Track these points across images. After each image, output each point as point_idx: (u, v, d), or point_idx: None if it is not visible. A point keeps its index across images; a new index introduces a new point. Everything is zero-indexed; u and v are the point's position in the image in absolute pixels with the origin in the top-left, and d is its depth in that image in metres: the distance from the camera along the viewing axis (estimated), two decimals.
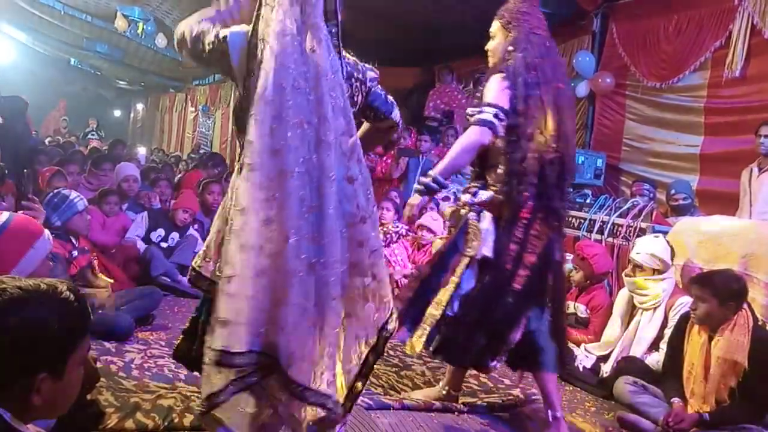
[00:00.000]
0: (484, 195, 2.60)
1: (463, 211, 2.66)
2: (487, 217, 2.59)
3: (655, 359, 3.37)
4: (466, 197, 2.66)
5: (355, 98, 2.11)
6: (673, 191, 4.89)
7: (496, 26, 2.72)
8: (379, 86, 2.21)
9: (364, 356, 2.00)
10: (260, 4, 1.93)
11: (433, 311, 2.58)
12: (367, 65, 2.17)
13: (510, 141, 2.54)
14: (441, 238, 2.98)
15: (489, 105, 2.52)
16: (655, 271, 3.49)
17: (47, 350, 1.16)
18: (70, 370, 1.21)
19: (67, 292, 1.21)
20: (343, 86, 1.97)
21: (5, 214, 2.29)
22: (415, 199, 2.57)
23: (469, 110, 2.57)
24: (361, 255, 1.96)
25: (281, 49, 1.84)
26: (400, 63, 9.03)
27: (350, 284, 1.96)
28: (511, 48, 2.62)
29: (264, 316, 1.84)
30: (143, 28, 10.51)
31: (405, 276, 5.22)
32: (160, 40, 10.73)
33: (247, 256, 1.80)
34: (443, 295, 2.59)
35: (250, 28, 1.94)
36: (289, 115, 1.83)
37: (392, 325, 2.02)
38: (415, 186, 2.55)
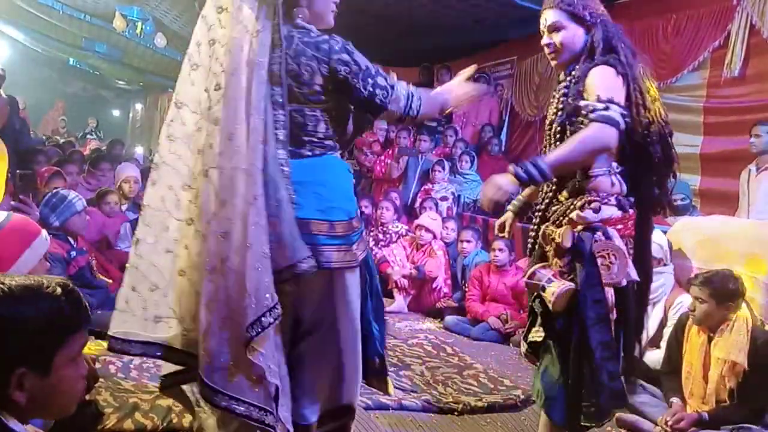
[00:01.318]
0: (609, 211, 2.13)
1: (573, 231, 2.12)
2: (617, 235, 2.13)
3: (656, 357, 3.37)
4: (585, 214, 2.10)
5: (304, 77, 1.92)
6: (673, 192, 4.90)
7: (559, 16, 2.23)
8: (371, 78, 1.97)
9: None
10: None
11: None
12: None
13: (632, 142, 2.15)
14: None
15: (612, 102, 2.05)
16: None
17: (26, 346, 1.16)
18: (59, 367, 1.20)
19: (55, 287, 1.20)
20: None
21: (2, 214, 2.28)
22: (508, 184, 2.06)
23: (586, 104, 2.07)
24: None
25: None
26: (399, 63, 9.02)
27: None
28: (605, 36, 2.19)
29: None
30: (142, 28, 10.51)
31: (404, 276, 5.23)
32: (159, 40, 10.72)
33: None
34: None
35: None
36: None
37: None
38: (514, 168, 2.06)
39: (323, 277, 1.97)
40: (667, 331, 3.32)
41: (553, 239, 2.14)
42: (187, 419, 2.57)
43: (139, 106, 21.00)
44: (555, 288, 2.07)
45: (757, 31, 4.85)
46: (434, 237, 5.38)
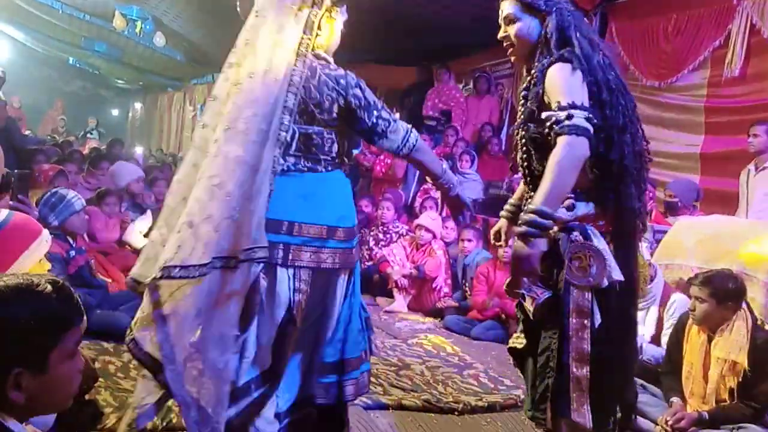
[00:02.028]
0: (585, 208, 1.99)
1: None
2: (597, 233, 1.98)
3: (657, 352, 3.36)
4: (558, 213, 1.91)
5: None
6: (666, 189, 4.90)
7: (513, 7, 2.10)
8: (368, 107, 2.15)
9: None
10: None
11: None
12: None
13: (602, 138, 1.95)
14: None
15: (574, 107, 1.87)
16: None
17: (21, 346, 1.15)
18: (55, 364, 1.20)
19: (46, 285, 1.20)
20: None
21: (4, 212, 2.28)
22: (527, 250, 1.83)
23: (547, 115, 1.92)
24: None
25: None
26: (399, 62, 9.03)
27: None
28: (559, 26, 2.02)
29: None
30: (141, 27, 10.49)
31: (404, 276, 5.22)
32: (159, 39, 10.71)
33: None
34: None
35: None
36: None
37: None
38: (521, 230, 1.83)
39: (326, 275, 2.13)
40: (665, 331, 3.32)
41: None
42: None
43: (138, 105, 21.00)
44: (534, 297, 2.00)
45: (758, 31, 4.85)
46: (434, 237, 5.37)
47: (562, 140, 1.86)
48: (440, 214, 5.86)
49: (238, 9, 2.81)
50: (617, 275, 1.94)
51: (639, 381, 3.20)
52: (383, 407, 2.92)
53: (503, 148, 7.66)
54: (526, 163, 2.11)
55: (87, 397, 2.43)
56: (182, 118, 16.73)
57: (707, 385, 2.83)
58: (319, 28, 2.19)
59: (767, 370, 2.72)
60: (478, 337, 4.47)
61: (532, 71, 2.07)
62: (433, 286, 5.16)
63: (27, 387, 1.16)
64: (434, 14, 6.79)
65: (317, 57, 2.16)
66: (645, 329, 3.48)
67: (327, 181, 2.18)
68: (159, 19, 10.27)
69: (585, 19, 2.14)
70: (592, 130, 1.87)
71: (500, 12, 2.14)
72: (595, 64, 1.98)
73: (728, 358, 2.75)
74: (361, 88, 2.16)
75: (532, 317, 2.03)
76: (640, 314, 3.49)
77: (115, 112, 22.09)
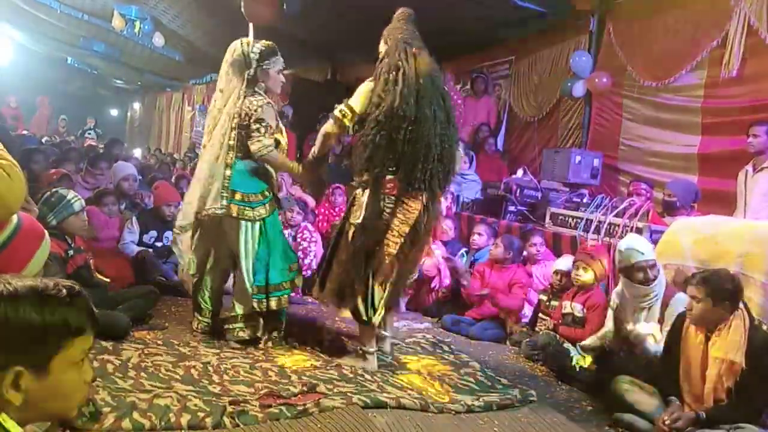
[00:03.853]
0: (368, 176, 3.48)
1: None
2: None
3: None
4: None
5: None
6: (665, 189, 4.91)
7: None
8: None
9: None
10: None
11: None
12: None
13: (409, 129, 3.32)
14: None
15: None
16: None
17: (24, 345, 1.15)
18: (57, 370, 1.19)
19: (61, 290, 1.20)
20: None
21: (14, 216, 2.27)
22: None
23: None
24: None
25: None
26: None
27: None
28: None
29: None
30: (140, 27, 10.48)
31: None
32: (157, 39, 10.70)
33: None
34: None
35: None
36: None
37: None
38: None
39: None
40: (665, 330, 3.33)
41: None
42: (185, 418, 2.58)
43: (137, 105, 21.01)
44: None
45: (755, 32, 4.86)
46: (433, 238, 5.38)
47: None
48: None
49: (243, 10, 3.13)
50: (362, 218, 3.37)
51: (636, 381, 3.21)
52: (381, 406, 2.92)
53: (500, 148, 7.67)
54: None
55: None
56: (181, 118, 16.74)
57: (705, 385, 2.84)
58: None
59: (764, 370, 2.72)
60: (476, 336, 4.48)
61: None
62: (431, 286, 5.16)
63: (26, 388, 1.16)
64: (434, 15, 6.79)
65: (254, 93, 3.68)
66: (645, 328, 3.48)
67: (245, 167, 3.67)
68: (158, 19, 10.26)
69: None
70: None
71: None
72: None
73: (726, 358, 2.76)
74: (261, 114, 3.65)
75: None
76: (642, 313, 3.51)
77: (113, 112, 22.09)
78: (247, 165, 3.67)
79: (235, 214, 3.62)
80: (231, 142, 3.61)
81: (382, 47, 3.49)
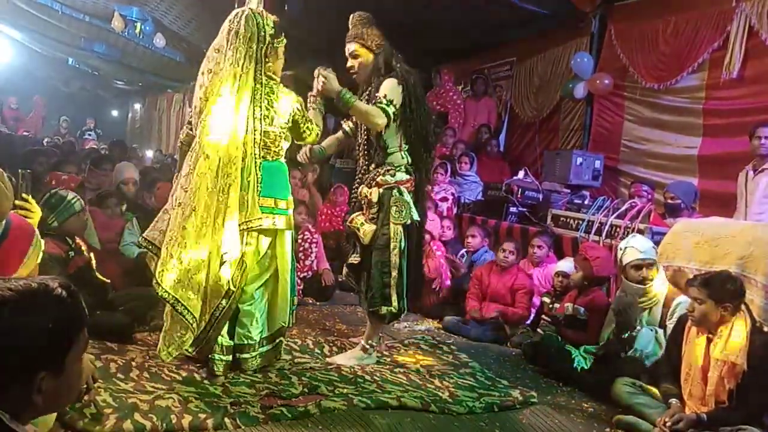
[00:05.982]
0: (400, 176, 3.57)
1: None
2: (405, 191, 3.53)
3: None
4: (386, 178, 3.54)
5: None
6: (666, 191, 4.91)
7: (356, 47, 3.53)
8: None
9: None
10: None
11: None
12: None
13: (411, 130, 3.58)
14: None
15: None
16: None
17: (45, 350, 1.17)
18: (69, 366, 1.22)
19: (59, 290, 1.21)
20: None
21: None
22: None
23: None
24: None
25: None
26: None
27: None
28: (386, 61, 3.57)
29: None
30: (141, 28, 10.49)
31: None
32: (158, 40, 10.70)
33: None
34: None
35: None
36: None
37: None
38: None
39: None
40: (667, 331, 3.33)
41: (366, 196, 3.53)
42: (186, 420, 2.58)
43: (138, 106, 20.98)
44: (366, 228, 3.47)
45: (756, 33, 4.86)
46: (432, 238, 5.38)
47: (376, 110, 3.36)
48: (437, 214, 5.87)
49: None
50: (415, 216, 3.53)
51: (637, 382, 3.21)
52: (382, 407, 2.92)
53: (501, 149, 7.67)
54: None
55: (87, 398, 2.42)
56: (182, 119, 16.72)
57: (706, 387, 2.84)
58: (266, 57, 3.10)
59: (766, 371, 2.72)
60: (477, 338, 4.48)
61: (371, 88, 3.55)
62: (432, 287, 5.16)
63: (47, 389, 1.17)
64: (433, 17, 6.80)
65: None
66: (644, 329, 3.49)
67: (273, 167, 3.25)
68: (159, 21, 10.26)
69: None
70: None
71: (347, 49, 3.56)
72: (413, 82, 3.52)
73: (727, 360, 2.76)
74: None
75: (364, 242, 3.51)
76: (641, 315, 3.51)
77: (114, 113, 22.07)
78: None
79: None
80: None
81: (365, 52, 3.54)
